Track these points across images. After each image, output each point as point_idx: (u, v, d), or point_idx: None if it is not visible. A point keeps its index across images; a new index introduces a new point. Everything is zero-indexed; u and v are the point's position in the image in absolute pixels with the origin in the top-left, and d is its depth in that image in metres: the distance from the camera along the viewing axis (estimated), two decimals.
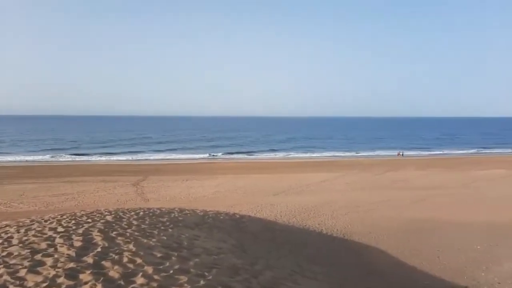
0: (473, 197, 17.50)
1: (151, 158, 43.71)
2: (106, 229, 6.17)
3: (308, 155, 48.51)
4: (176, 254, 5.00)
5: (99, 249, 4.80)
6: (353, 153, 51.26)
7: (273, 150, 53.29)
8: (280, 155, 49.23)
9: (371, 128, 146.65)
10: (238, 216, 11.37)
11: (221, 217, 10.31)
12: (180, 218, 8.84)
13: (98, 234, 5.71)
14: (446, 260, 9.03)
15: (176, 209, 10.68)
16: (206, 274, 4.26)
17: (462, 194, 18.49)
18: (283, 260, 7.53)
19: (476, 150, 56.51)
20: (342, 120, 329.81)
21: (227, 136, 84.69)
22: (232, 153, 49.83)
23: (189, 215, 9.74)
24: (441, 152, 54.15)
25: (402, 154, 49.60)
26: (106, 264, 4.21)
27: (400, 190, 19.75)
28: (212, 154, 48.63)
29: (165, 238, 6.07)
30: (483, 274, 8.01)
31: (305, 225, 12.54)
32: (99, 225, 6.54)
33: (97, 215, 7.95)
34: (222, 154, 48.79)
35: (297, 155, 48.00)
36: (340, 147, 60.37)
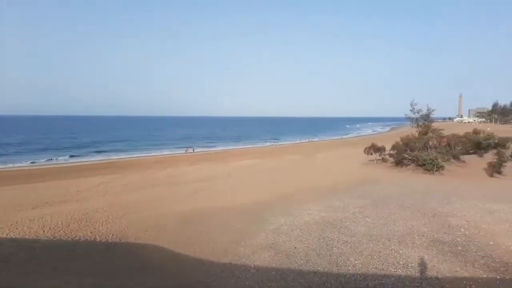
0: (235, 184, 20.40)
1: None
2: None
3: (89, 158, 42.91)
4: None
5: None
6: (138, 154, 49.06)
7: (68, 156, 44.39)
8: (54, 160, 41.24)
9: (157, 128, 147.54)
10: None
11: None
12: None
13: None
14: (214, 243, 10.15)
15: None
16: None
17: (227, 183, 21.21)
18: (45, 280, 6.42)
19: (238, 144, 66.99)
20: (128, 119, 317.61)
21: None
22: None
23: None
24: (224, 148, 60.11)
25: (193, 150, 52.23)
26: None
27: (176, 185, 20.70)
28: None
29: None
30: (242, 249, 9.45)
31: (76, 237, 11.26)
32: None
33: None
34: None
35: (75, 160, 41.49)
36: (125, 148, 56.94)
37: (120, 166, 32.77)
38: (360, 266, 7.85)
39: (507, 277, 7.00)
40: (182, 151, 52.64)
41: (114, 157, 44.97)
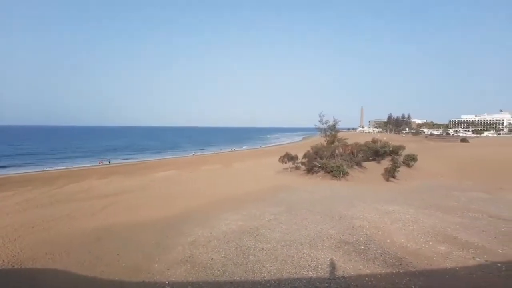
0: (150, 197, 19.41)
1: None
2: None
3: None
4: None
5: None
6: (42, 168, 42.76)
7: None
8: None
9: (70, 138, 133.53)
10: None
11: None
12: None
13: None
14: (125, 261, 9.45)
15: None
16: None
17: (141, 196, 20.05)
18: None
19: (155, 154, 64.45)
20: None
21: None
22: None
23: None
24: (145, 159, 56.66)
25: (109, 162, 48.35)
26: None
27: (82, 201, 18.88)
28: None
29: None
30: (156, 265, 8.97)
31: None
32: None
33: None
34: None
35: None
36: (29, 162, 49.44)
37: (17, 182, 28.73)
38: (275, 271, 8.08)
39: (401, 271, 7.88)
40: (96, 163, 48.49)
41: (12, 172, 39.14)
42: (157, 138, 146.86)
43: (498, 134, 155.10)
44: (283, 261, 8.67)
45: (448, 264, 8.29)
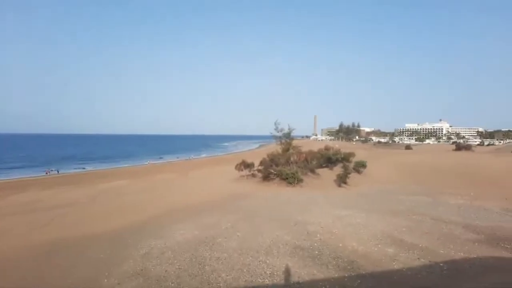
0: (100, 209, 18.41)
1: None
2: None
3: None
4: None
5: None
6: None
7: None
8: None
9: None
10: None
11: None
12: None
13: None
14: (73, 276, 8.88)
15: None
16: None
17: (90, 208, 18.98)
18: None
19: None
20: None
21: None
22: None
23: None
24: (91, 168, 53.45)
25: (58, 172, 45.11)
26: None
27: (25, 214, 17.51)
28: None
29: None
30: (105, 280, 8.51)
31: None
32: None
33: None
34: None
35: None
36: None
37: None
38: (231, 280, 8.00)
39: (352, 274, 8.17)
40: (43, 173, 45.04)
41: None
42: (111, 146, 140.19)
43: (438, 141, 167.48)
44: (240, 270, 8.62)
45: (395, 266, 8.75)
